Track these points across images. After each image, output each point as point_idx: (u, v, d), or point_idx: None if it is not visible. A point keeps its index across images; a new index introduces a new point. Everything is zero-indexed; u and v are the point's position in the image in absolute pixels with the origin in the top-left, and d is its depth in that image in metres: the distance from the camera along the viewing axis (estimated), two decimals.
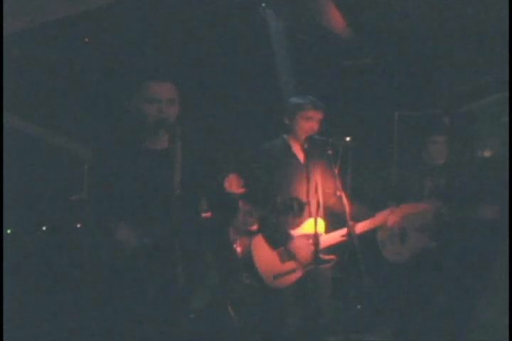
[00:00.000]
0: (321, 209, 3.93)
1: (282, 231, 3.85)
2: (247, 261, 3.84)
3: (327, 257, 3.88)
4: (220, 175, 3.42)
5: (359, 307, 4.64)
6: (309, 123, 3.94)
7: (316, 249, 3.73)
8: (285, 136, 4.07)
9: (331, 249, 3.92)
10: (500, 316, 4.27)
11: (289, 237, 3.86)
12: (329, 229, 3.96)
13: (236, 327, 4.29)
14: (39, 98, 4.48)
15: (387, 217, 4.04)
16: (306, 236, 3.87)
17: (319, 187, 3.95)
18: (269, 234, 3.85)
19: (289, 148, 4.04)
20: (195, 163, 3.21)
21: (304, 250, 3.84)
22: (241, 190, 3.57)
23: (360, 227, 3.94)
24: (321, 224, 3.88)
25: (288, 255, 3.86)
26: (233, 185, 4.04)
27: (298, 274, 3.86)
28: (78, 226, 3.99)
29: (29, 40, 4.39)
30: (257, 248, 3.84)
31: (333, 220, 4.01)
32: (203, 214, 3.23)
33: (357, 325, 4.71)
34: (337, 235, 3.92)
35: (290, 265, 3.86)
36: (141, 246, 3.05)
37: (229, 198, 3.23)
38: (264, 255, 3.84)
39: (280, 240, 3.86)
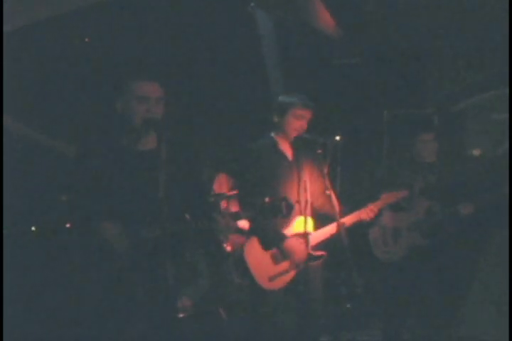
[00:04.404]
0: (310, 208, 3.92)
1: (275, 231, 3.84)
2: (237, 260, 3.83)
3: (317, 253, 3.87)
4: (207, 176, 3.43)
5: (349, 306, 4.64)
6: (299, 121, 3.92)
7: (307, 247, 3.74)
8: (273, 134, 4.04)
9: (320, 247, 3.92)
10: (492, 314, 4.29)
11: (282, 237, 3.85)
12: (318, 227, 3.96)
13: (226, 327, 4.30)
14: (26, 96, 4.46)
15: (369, 210, 4.01)
16: (297, 235, 3.87)
17: (308, 185, 3.94)
18: (262, 235, 3.84)
19: (277, 146, 4.01)
20: (181, 163, 3.20)
21: (297, 249, 3.83)
22: (233, 192, 3.57)
23: (346, 220, 3.93)
24: (310, 223, 3.88)
25: (281, 256, 3.85)
26: (223, 185, 4.04)
27: (291, 274, 3.86)
28: (67, 226, 3.98)
29: (18, 39, 4.38)
30: (250, 252, 3.83)
31: (322, 219, 4.01)
32: (188, 216, 3.22)
33: (347, 324, 4.72)
34: (325, 231, 3.91)
35: (283, 266, 3.85)
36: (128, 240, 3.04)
37: (214, 200, 3.21)
38: (257, 258, 3.83)
39: (274, 240, 3.85)
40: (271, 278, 3.82)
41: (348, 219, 3.95)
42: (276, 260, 3.86)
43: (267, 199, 3.17)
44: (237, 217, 3.20)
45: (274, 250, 3.85)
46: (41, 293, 4.25)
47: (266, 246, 3.85)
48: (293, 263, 3.84)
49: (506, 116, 4.78)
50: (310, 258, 3.79)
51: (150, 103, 3.11)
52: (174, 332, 3.16)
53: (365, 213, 4.00)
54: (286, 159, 3.98)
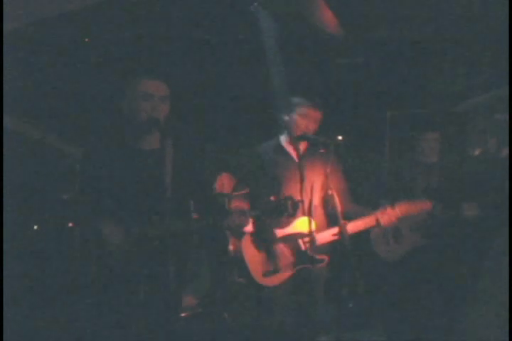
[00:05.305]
0: (313, 208, 3.92)
1: (268, 232, 3.84)
2: (239, 259, 3.84)
3: (319, 257, 3.87)
4: (212, 175, 3.43)
5: (351, 305, 4.63)
6: (304, 120, 3.93)
7: (311, 248, 3.74)
8: (281, 135, 4.08)
9: (322, 248, 3.92)
10: (492, 314, 4.29)
11: (273, 239, 3.85)
12: (320, 228, 3.96)
13: (228, 326, 4.30)
14: (26, 96, 4.46)
15: (380, 217, 4.00)
16: (297, 234, 3.87)
17: (312, 185, 3.95)
18: (255, 235, 3.85)
19: (283, 147, 4.04)
20: (186, 163, 3.20)
21: (285, 253, 3.85)
22: (241, 192, 3.58)
23: (353, 227, 3.92)
24: (313, 223, 3.87)
25: (277, 253, 3.86)
26: (225, 185, 4.04)
27: (288, 273, 3.86)
28: (70, 225, 3.98)
29: (18, 39, 4.37)
30: (247, 246, 3.84)
31: (325, 219, 4.01)
32: (194, 215, 3.22)
33: (349, 324, 4.71)
34: (328, 234, 3.91)
35: (278, 263, 3.85)
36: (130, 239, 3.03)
37: (218, 199, 3.22)
38: (253, 253, 3.84)
39: (264, 241, 3.85)
40: (264, 274, 3.82)
41: (356, 226, 3.95)
42: (270, 257, 3.86)
43: (272, 198, 3.19)
44: (244, 213, 3.21)
45: (271, 246, 3.86)
46: (42, 292, 4.25)
47: (258, 245, 3.86)
48: (289, 262, 3.85)
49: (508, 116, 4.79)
50: (312, 261, 3.79)
51: (154, 101, 3.11)
52: (176, 331, 3.17)
53: (374, 220, 3.99)
54: (291, 159, 3.99)
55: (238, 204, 3.52)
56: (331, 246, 3.95)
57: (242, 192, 3.37)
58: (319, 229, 3.93)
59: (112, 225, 3.06)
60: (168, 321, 3.14)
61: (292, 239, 3.88)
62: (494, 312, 4.24)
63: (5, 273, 3.39)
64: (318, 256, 3.84)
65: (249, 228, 3.73)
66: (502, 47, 4.70)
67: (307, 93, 4.04)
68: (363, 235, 4.34)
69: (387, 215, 3.95)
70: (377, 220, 3.95)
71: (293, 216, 3.40)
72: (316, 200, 4.00)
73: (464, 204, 4.29)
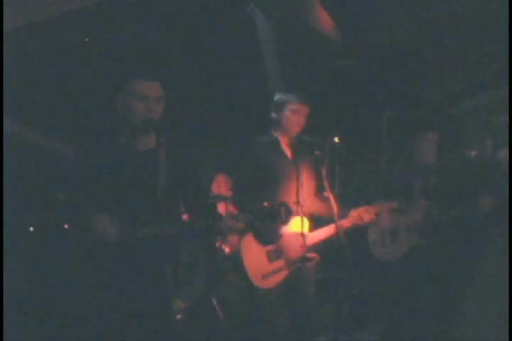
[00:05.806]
0: (308, 209, 3.93)
1: (272, 229, 3.84)
2: (236, 262, 3.83)
3: (310, 256, 3.88)
4: (206, 176, 3.43)
5: (347, 306, 4.65)
6: (296, 116, 3.96)
7: (303, 248, 3.75)
8: (274, 132, 4.07)
9: (318, 247, 3.93)
10: (492, 314, 4.29)
11: (278, 236, 3.85)
12: (313, 228, 3.97)
13: (223, 327, 4.30)
14: (25, 96, 4.46)
15: (362, 214, 4.03)
16: (292, 234, 3.87)
17: (307, 187, 3.95)
18: (259, 232, 3.84)
19: (279, 145, 4.04)
20: (181, 163, 3.21)
21: (293, 248, 3.84)
22: (230, 193, 3.57)
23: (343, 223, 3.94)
24: (306, 224, 3.88)
25: (277, 253, 3.86)
26: (222, 186, 4.04)
27: (284, 273, 3.86)
28: (66, 226, 3.98)
29: (18, 39, 4.37)
30: (246, 249, 3.83)
31: (319, 220, 4.01)
32: (183, 216, 3.22)
33: (346, 324, 4.71)
34: (321, 233, 3.93)
35: (277, 264, 3.86)
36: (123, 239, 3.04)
37: (209, 201, 3.21)
38: (252, 255, 3.83)
39: (270, 237, 3.85)
40: (264, 276, 3.82)
41: (344, 223, 3.97)
42: (271, 258, 3.86)
43: (266, 204, 3.18)
44: (236, 218, 3.20)
45: (271, 247, 3.86)
46: (38, 293, 4.25)
47: (262, 242, 3.85)
48: (287, 262, 3.85)
49: (506, 117, 4.79)
50: (303, 259, 3.80)
51: (149, 102, 3.13)
52: (168, 334, 3.16)
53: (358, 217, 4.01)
54: (287, 158, 4.00)
55: (231, 207, 3.52)
56: (323, 246, 3.96)
57: (230, 194, 3.36)
58: (312, 229, 3.94)
59: (106, 225, 3.06)
60: (162, 323, 3.14)
61: (291, 237, 3.88)
62: (494, 312, 4.24)
63: (4, 273, 3.39)
64: (309, 255, 3.85)
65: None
66: (501, 48, 4.69)
67: (299, 91, 4.06)
68: (359, 235, 4.35)
69: (367, 213, 3.99)
70: (359, 217, 3.99)
71: (286, 223, 3.41)
72: (310, 200, 4.01)
73: (478, 198, 4.29)
